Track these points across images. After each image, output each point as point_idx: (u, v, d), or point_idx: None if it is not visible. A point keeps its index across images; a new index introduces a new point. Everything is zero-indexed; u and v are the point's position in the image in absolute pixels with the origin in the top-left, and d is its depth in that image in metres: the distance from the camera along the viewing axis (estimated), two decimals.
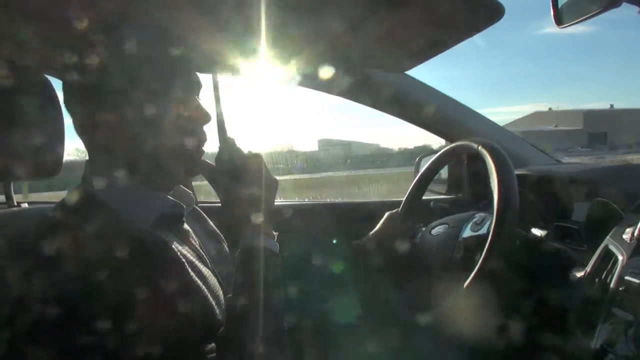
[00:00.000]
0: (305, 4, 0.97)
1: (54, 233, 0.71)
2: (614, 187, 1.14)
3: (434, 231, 1.22)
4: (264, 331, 0.75)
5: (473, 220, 1.14)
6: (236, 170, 0.85)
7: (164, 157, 0.80)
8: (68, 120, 0.98)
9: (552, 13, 0.88)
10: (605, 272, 0.90)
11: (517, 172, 1.06)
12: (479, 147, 1.11)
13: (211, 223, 1.06)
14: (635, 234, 0.86)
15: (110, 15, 0.83)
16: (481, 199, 1.64)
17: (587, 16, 0.83)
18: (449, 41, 1.17)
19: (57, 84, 0.99)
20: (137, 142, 0.79)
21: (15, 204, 1.07)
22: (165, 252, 0.76)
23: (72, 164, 1.06)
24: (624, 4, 0.77)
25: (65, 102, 0.83)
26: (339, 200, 2.22)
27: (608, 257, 0.92)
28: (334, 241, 1.31)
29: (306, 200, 2.20)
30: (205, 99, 0.87)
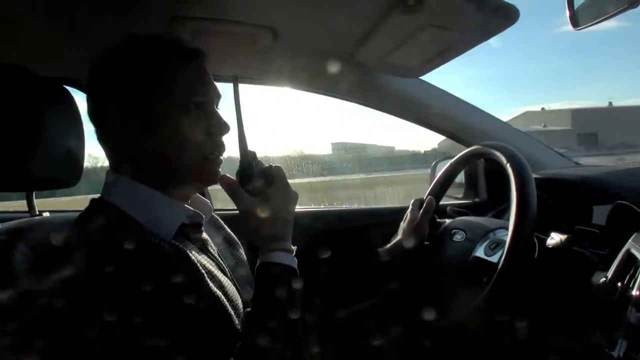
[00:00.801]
0: (319, 13, 0.98)
1: (77, 245, 0.72)
2: (635, 189, 1.12)
3: (453, 237, 1.21)
4: (282, 347, 0.75)
5: (488, 241, 1.12)
6: (259, 185, 0.84)
7: (183, 166, 0.81)
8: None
9: (567, 14, 0.87)
10: (627, 277, 0.89)
11: (535, 175, 1.05)
12: (497, 153, 1.10)
13: (229, 230, 1.06)
14: None
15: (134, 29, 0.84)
16: (499, 204, 1.62)
17: (604, 17, 0.82)
18: (463, 46, 1.17)
19: (76, 95, 1.02)
20: (159, 152, 0.80)
21: (37, 212, 1.09)
22: (185, 264, 0.76)
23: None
24: None
25: (89, 111, 0.84)
26: (347, 206, 2.21)
27: (630, 261, 0.90)
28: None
29: (322, 206, 2.20)
30: (224, 109, 0.88)
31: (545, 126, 32.41)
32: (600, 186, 1.23)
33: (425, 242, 1.24)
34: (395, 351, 1.23)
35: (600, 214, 1.20)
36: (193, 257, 0.78)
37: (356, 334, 1.19)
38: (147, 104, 0.79)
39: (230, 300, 0.82)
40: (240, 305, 0.85)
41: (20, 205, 1.09)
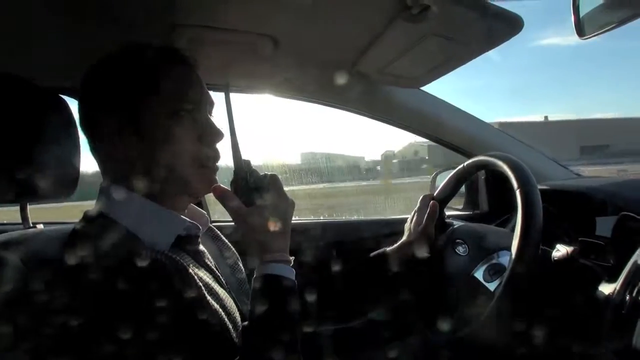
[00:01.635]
0: (320, 22, 0.97)
1: (71, 259, 0.70)
2: (638, 201, 1.11)
3: (455, 248, 1.19)
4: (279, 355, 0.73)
5: (488, 264, 1.10)
6: (253, 195, 0.82)
7: (177, 175, 0.80)
8: None
9: (573, 23, 0.86)
10: (636, 289, 0.87)
11: (538, 187, 1.03)
12: (501, 163, 1.08)
13: (226, 241, 1.04)
14: None
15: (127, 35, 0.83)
16: (499, 215, 1.61)
17: (609, 27, 0.81)
18: (466, 55, 1.16)
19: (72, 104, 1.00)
20: (152, 160, 0.78)
21: (31, 224, 1.06)
22: (182, 276, 0.75)
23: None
24: None
25: (81, 121, 0.83)
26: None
27: (638, 273, 0.89)
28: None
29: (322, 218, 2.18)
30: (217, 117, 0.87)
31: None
32: (603, 197, 1.22)
33: (427, 254, 1.22)
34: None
35: (603, 226, 1.19)
36: (190, 270, 0.77)
37: (358, 345, 1.16)
38: (139, 112, 0.78)
39: (227, 313, 0.80)
40: (238, 318, 0.84)
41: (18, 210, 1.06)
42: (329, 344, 0.88)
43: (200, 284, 0.77)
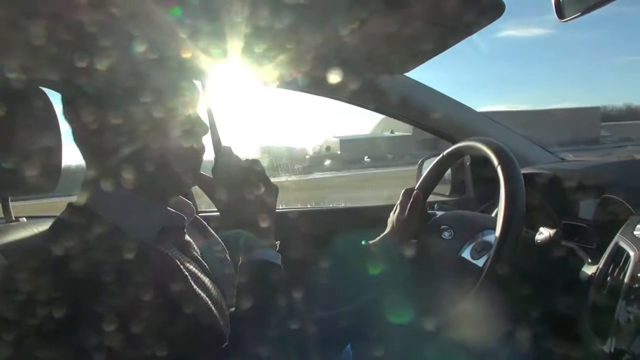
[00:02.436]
0: (303, 7, 0.96)
1: (53, 251, 0.69)
2: (621, 183, 1.12)
3: (441, 234, 1.20)
4: (266, 341, 0.74)
5: (474, 243, 1.11)
6: (235, 181, 0.82)
7: (163, 169, 0.79)
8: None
9: (553, 6, 0.86)
10: (617, 270, 0.88)
11: (522, 171, 1.04)
12: (487, 149, 1.09)
13: (212, 232, 1.04)
14: None
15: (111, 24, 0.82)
16: (485, 200, 1.62)
17: (589, 7, 0.81)
18: (449, 40, 1.16)
19: (53, 97, 0.98)
20: (137, 154, 0.77)
21: (14, 218, 1.05)
22: (168, 266, 0.75)
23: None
24: None
25: (64, 112, 0.81)
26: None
27: (619, 254, 0.90)
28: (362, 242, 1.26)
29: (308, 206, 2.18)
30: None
31: (392, 132, 33.50)
32: (587, 181, 1.23)
33: (413, 240, 1.23)
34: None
35: (586, 209, 1.20)
36: (175, 260, 0.77)
37: (344, 334, 1.17)
38: (122, 104, 0.76)
39: (214, 302, 0.80)
40: (225, 306, 0.84)
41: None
42: (315, 330, 0.88)
43: (187, 273, 0.77)
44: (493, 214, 1.27)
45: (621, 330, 0.80)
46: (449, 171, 1.72)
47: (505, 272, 0.94)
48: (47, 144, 0.94)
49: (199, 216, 1.03)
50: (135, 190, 0.78)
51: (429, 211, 1.30)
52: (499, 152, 1.04)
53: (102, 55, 0.78)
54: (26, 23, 1.01)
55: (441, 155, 1.31)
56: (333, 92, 1.58)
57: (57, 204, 0.81)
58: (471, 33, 1.10)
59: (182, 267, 0.77)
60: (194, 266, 0.83)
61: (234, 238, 0.84)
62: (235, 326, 0.77)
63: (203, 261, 0.90)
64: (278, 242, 0.84)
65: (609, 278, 0.90)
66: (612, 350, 0.80)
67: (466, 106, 1.71)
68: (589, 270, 0.99)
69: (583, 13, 0.82)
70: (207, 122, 0.84)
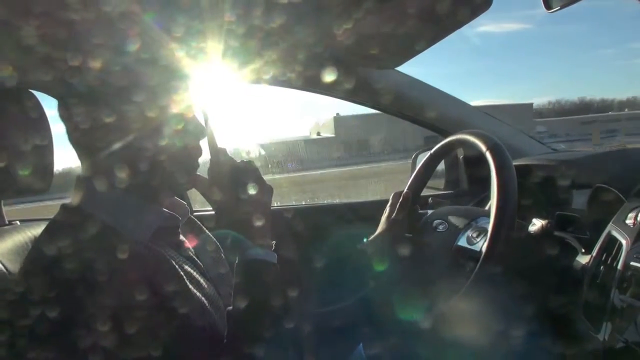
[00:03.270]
0: (295, 4, 0.96)
1: (48, 253, 0.69)
2: (613, 172, 1.12)
3: (436, 228, 1.21)
4: (262, 340, 0.74)
5: (469, 230, 1.12)
6: (230, 181, 0.82)
7: (157, 169, 0.79)
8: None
9: None
10: (610, 259, 0.89)
11: (515, 162, 1.04)
12: (477, 141, 1.09)
13: (207, 232, 1.04)
14: (639, 218, 0.85)
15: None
16: (480, 193, 1.62)
17: None
18: (438, 34, 1.16)
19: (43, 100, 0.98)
20: (133, 155, 0.77)
21: (7, 222, 1.05)
22: (163, 266, 0.75)
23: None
24: None
25: (59, 111, 0.81)
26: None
27: (612, 243, 0.90)
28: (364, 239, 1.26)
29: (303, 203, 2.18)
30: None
31: (319, 134, 33.94)
32: (579, 171, 1.23)
33: (407, 235, 1.23)
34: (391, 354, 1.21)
35: (579, 199, 1.21)
36: (170, 260, 0.77)
37: (338, 332, 1.17)
38: (114, 103, 0.76)
39: (210, 301, 0.80)
40: (221, 304, 0.84)
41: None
42: (311, 326, 0.89)
43: (182, 272, 0.77)
44: (486, 208, 1.28)
45: (615, 318, 0.80)
46: (442, 166, 1.73)
47: (505, 251, 0.94)
48: (38, 145, 0.94)
49: (194, 216, 1.03)
50: (128, 190, 0.78)
51: (420, 211, 1.30)
52: (489, 144, 1.05)
53: (93, 54, 0.78)
54: (18, 23, 1.01)
55: (433, 150, 1.31)
56: (324, 88, 1.58)
57: (57, 207, 0.80)
58: (459, 26, 1.10)
59: (177, 266, 0.77)
60: (188, 266, 0.83)
61: (221, 238, 0.84)
62: (231, 325, 0.77)
63: (197, 260, 0.90)
64: (274, 242, 0.84)
65: (602, 267, 0.91)
66: (605, 338, 0.80)
67: (459, 100, 1.71)
68: (583, 260, 1.00)
69: (570, 3, 0.82)
70: (202, 123, 0.84)
